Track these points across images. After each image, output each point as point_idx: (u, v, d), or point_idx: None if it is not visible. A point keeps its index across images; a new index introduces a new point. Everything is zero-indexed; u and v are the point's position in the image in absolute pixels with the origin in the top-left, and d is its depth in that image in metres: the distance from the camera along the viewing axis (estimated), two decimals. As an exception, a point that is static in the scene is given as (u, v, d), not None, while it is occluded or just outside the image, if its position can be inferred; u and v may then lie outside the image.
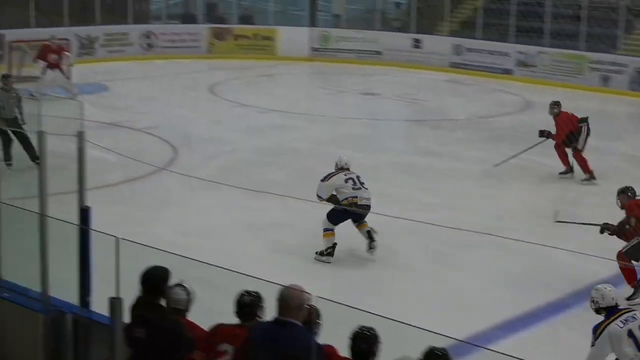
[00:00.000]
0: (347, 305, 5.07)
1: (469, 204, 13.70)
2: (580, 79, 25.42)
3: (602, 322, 7.48)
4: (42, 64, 20.51)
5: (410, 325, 4.87)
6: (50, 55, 20.50)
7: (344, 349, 5.63)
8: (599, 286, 7.70)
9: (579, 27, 26.18)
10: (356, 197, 11.02)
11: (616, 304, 7.60)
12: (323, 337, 5.72)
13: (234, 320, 6.05)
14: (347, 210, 10.94)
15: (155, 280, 6.13)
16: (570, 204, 14.00)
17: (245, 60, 29.08)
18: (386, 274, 10.86)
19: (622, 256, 10.14)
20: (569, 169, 15.23)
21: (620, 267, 10.15)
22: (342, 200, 11.04)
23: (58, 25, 26.49)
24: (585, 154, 15.04)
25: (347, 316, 5.32)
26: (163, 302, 6.18)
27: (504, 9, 27.89)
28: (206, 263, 6.08)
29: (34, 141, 6.92)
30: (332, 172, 11.31)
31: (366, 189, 11.17)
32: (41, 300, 7.00)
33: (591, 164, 15.06)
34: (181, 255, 6.17)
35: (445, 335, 7.84)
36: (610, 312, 7.51)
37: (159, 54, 29.22)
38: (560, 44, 26.29)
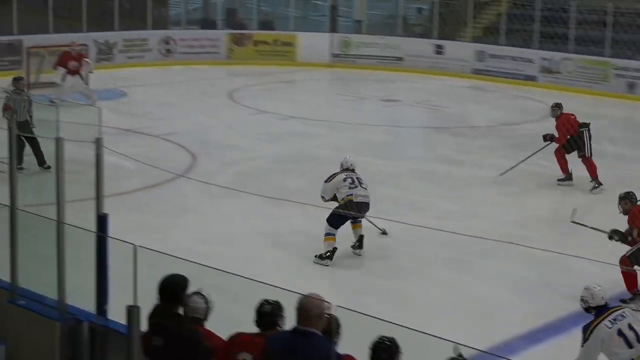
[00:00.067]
0: (367, 315, 5.07)
1: (489, 212, 13.67)
2: (605, 85, 25.32)
3: (592, 321, 7.62)
4: (61, 70, 20.64)
5: (431, 335, 4.86)
6: (70, 62, 20.63)
7: (363, 359, 5.62)
8: (589, 285, 7.88)
9: (604, 33, 26.05)
10: (351, 194, 11.29)
11: (606, 303, 7.74)
12: (342, 347, 5.71)
13: (252, 329, 6.05)
14: (345, 212, 11.19)
15: (173, 288, 6.12)
16: (594, 213, 13.92)
17: (265, 67, 29.12)
18: (405, 283, 10.84)
19: (625, 260, 10.20)
20: (568, 176, 15.21)
21: (622, 272, 10.19)
22: (340, 200, 11.32)
23: (76, 31, 26.65)
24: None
25: (366, 325, 5.31)
26: (181, 311, 6.19)
27: (528, 14, 27.81)
28: (225, 271, 6.09)
29: (51, 147, 6.94)
30: (335, 173, 11.64)
31: (364, 188, 11.41)
32: (58, 308, 7.02)
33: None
34: (199, 264, 6.18)
35: (466, 345, 7.83)
36: (600, 311, 7.66)
37: (177, 59, 29.32)
38: (585, 50, 26.19)
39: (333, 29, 31.36)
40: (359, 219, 11.49)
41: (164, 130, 18.80)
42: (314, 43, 29.97)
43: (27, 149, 14.54)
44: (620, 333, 7.45)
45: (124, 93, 23.72)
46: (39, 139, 14.59)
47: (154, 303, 6.16)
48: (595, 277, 10.57)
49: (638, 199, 10.70)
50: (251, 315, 6.03)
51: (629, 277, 10.19)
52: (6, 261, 7.42)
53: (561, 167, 15.22)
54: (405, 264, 11.42)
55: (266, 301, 6.02)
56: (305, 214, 12.69)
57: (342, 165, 11.83)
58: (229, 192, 13.92)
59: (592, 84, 25.50)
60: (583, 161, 15.06)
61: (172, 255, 6.23)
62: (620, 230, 10.57)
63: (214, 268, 6.10)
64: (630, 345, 7.42)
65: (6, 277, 7.47)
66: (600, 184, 14.88)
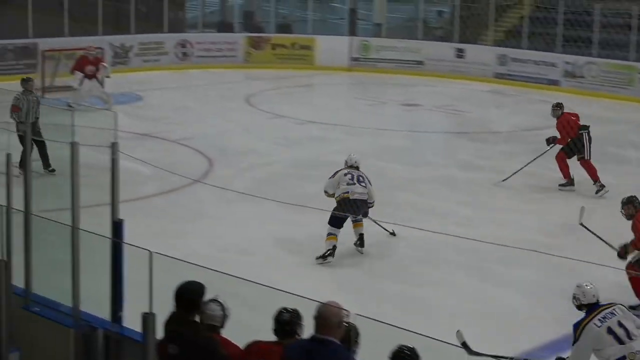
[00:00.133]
0: (386, 323, 5.05)
1: (510, 219, 13.62)
2: (630, 90, 25.19)
3: (582, 319, 7.68)
4: (79, 75, 20.75)
5: (452, 344, 4.84)
6: (88, 66, 20.75)
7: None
8: (581, 283, 7.94)
9: (629, 36, 25.96)
10: (348, 192, 11.68)
11: (597, 300, 7.79)
12: (361, 356, 5.70)
13: (269, 337, 6.04)
14: (342, 214, 11.57)
15: (190, 295, 6.13)
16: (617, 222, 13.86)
17: (283, 70, 29.15)
18: (425, 290, 10.80)
19: (631, 266, 10.23)
20: (570, 181, 15.21)
21: (630, 278, 10.19)
22: (337, 196, 11.75)
23: (92, 34, 26.74)
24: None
25: (386, 334, 5.29)
26: (197, 318, 6.19)
27: (551, 17, 27.71)
28: (241, 278, 6.09)
29: (66, 152, 6.95)
30: (339, 170, 12.06)
31: (363, 186, 11.75)
32: (72, 315, 7.03)
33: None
34: (216, 270, 6.17)
35: (489, 355, 7.80)
36: (591, 309, 7.72)
37: (194, 63, 29.40)
38: (610, 54, 26.10)
39: (352, 32, 31.34)
40: (360, 218, 11.76)
41: (180, 134, 18.84)
42: (332, 46, 29.98)
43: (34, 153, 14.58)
44: (609, 331, 7.50)
45: (140, 97, 23.79)
46: (46, 142, 14.64)
47: (170, 310, 6.16)
48: (618, 285, 10.56)
49: None
50: (268, 323, 6.02)
51: (637, 282, 10.18)
52: (20, 267, 7.43)
53: (563, 172, 15.25)
54: (424, 271, 11.40)
55: (284, 309, 6.01)
56: (323, 220, 12.66)
57: (346, 162, 12.26)
58: (245, 198, 13.92)
59: (617, 89, 25.39)
60: (582, 164, 15.11)
61: (188, 262, 6.23)
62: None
63: (230, 275, 6.10)
64: (621, 342, 7.46)
65: (20, 284, 7.49)
66: (603, 185, 14.90)
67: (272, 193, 14.03)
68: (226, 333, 6.29)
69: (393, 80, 28.09)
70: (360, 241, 11.80)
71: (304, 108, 23.15)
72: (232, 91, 25.71)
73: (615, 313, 7.63)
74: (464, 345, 8.27)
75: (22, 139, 14.36)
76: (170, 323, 6.11)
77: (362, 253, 11.80)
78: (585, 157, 15.04)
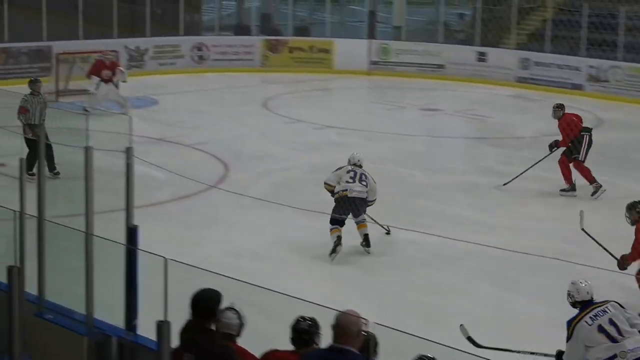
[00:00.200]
0: (406, 333, 5.03)
1: (533, 226, 13.58)
2: (656, 95, 25.14)
3: (575, 317, 7.77)
4: (95, 79, 20.85)
5: (474, 355, 4.82)
6: (104, 70, 20.85)
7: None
8: (575, 280, 8.04)
9: (655, 40, 25.91)
10: (346, 190, 12.04)
11: (591, 298, 7.87)
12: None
13: (286, 346, 6.03)
14: (342, 209, 11.97)
15: (206, 303, 6.12)
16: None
17: (301, 74, 29.16)
18: (447, 299, 10.78)
19: None
20: (572, 187, 15.25)
21: None
22: (335, 193, 12.13)
23: (107, 37, 26.89)
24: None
25: (406, 344, 5.27)
26: (213, 327, 6.18)
27: (575, 20, 27.63)
28: (258, 286, 6.08)
29: (80, 157, 6.97)
30: (343, 166, 12.45)
31: (364, 184, 12.04)
32: (86, 323, 7.04)
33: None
34: (231, 277, 6.17)
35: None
36: (584, 306, 7.81)
37: (210, 66, 29.46)
38: (635, 58, 25.98)
39: (371, 35, 31.31)
40: (363, 220, 12.03)
41: (196, 139, 18.88)
42: (351, 50, 29.94)
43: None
44: (600, 329, 7.56)
45: (155, 101, 23.85)
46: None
47: (185, 318, 6.16)
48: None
49: None
50: (285, 332, 6.02)
51: None
52: (34, 274, 7.45)
53: (564, 177, 15.29)
54: (446, 279, 11.37)
55: (302, 318, 6.01)
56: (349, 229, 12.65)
57: (349, 161, 12.56)
58: (262, 204, 13.93)
59: (642, 93, 25.31)
60: (574, 165, 15.20)
61: (204, 269, 6.23)
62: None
63: (246, 282, 6.09)
64: (613, 340, 7.51)
65: (33, 290, 7.50)
66: (599, 186, 15.05)
67: (289, 199, 14.04)
68: (242, 342, 6.28)
69: (413, 85, 28.05)
70: (366, 242, 12.02)
71: (321, 112, 23.14)
72: (249, 95, 25.73)
73: (608, 310, 7.68)
74: (469, 339, 8.35)
75: (27, 141, 14.51)
76: (186, 331, 6.10)
77: (369, 253, 11.99)
78: (579, 158, 15.14)
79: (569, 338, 7.70)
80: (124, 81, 21.41)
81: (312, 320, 5.98)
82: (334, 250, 11.74)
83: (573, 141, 15.21)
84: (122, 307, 7.17)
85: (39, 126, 14.84)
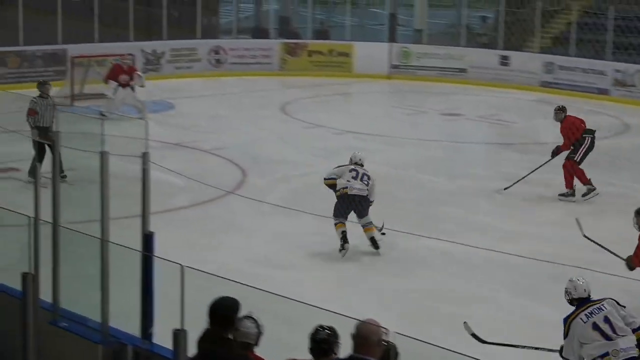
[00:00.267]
0: (428, 343, 5.01)
1: (557, 234, 13.52)
2: (683, 100, 25.02)
3: (570, 314, 7.87)
4: (113, 84, 20.95)
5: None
6: (121, 75, 20.94)
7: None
8: (573, 277, 8.16)
9: (682, 43, 25.80)
10: (346, 187, 12.28)
11: (588, 295, 7.96)
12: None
13: (304, 355, 6.02)
14: (343, 206, 12.23)
15: (224, 311, 6.11)
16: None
17: (320, 78, 29.15)
18: (470, 309, 10.73)
19: None
20: (572, 192, 15.32)
21: None
22: (337, 191, 12.35)
23: (123, 40, 26.96)
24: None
25: (427, 354, 5.25)
26: (231, 335, 6.17)
27: (600, 23, 27.51)
28: (276, 294, 6.07)
29: (95, 162, 6.99)
30: (346, 164, 12.70)
31: (365, 183, 12.27)
32: (101, 331, 7.06)
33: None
34: (249, 285, 6.16)
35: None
36: (581, 303, 7.89)
37: (228, 70, 29.48)
38: (662, 62, 25.92)
39: (392, 38, 31.27)
40: (369, 223, 12.29)
41: (213, 144, 18.91)
42: (371, 53, 29.93)
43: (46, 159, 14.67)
44: (595, 327, 7.65)
45: (172, 105, 23.89)
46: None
47: (202, 327, 6.16)
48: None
49: None
50: (303, 341, 6.00)
51: None
52: (48, 281, 7.47)
53: (566, 181, 15.35)
54: (468, 288, 11.34)
55: (321, 327, 5.99)
56: (361, 233, 12.65)
57: (351, 159, 12.76)
58: (280, 210, 13.93)
59: (670, 98, 25.21)
60: (566, 164, 15.30)
61: (221, 277, 6.23)
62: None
63: (264, 290, 6.08)
64: (607, 338, 7.59)
65: (48, 298, 7.52)
66: (593, 188, 15.21)
67: (309, 205, 14.04)
68: (260, 351, 6.27)
69: (434, 89, 28.01)
70: (374, 244, 12.26)
71: (341, 117, 23.13)
72: (267, 99, 25.74)
73: (603, 308, 7.77)
74: (474, 335, 8.39)
75: (35, 144, 14.53)
76: (203, 340, 6.09)
77: (379, 254, 12.19)
78: (575, 159, 15.22)
79: (565, 335, 7.81)
80: (142, 86, 21.46)
81: (331, 329, 5.96)
82: (342, 248, 12.07)
83: (575, 143, 15.24)
84: (137, 315, 7.18)
85: (47, 129, 14.89)
